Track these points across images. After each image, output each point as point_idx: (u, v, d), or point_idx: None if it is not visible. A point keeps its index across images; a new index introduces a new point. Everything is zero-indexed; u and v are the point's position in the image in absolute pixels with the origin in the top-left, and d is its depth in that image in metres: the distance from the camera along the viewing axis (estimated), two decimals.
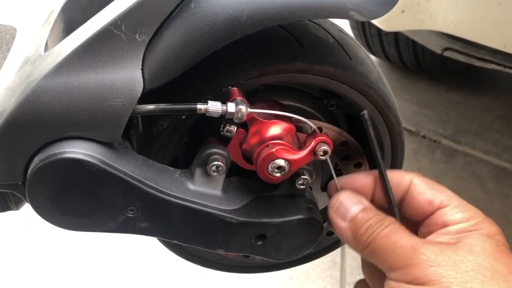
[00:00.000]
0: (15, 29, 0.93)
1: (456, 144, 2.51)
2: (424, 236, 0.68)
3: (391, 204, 0.72)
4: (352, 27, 2.65)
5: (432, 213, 0.69)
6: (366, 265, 0.77)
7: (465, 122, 2.68)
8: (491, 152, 2.46)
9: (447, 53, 1.73)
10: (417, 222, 0.72)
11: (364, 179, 0.75)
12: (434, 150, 2.47)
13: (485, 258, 0.61)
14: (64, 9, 0.90)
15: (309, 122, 0.78)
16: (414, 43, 2.48)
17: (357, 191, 0.74)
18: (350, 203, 0.71)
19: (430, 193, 0.70)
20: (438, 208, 0.68)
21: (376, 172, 0.74)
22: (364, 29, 2.58)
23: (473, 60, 1.61)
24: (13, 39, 0.89)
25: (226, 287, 1.72)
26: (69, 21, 0.87)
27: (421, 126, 2.62)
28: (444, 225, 0.67)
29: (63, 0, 0.91)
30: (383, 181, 0.72)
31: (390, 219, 0.68)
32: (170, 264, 1.70)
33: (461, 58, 1.67)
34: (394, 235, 0.65)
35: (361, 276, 0.79)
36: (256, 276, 1.76)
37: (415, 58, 2.64)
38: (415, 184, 0.71)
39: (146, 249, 1.75)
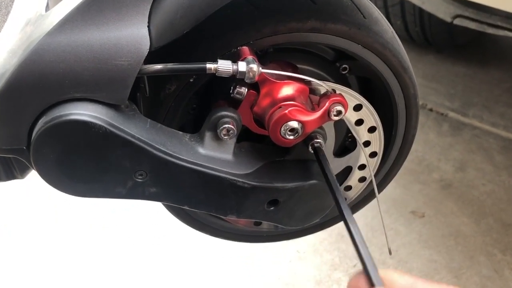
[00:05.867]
0: None
1: (464, 117, 2.48)
2: None
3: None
4: None
5: None
6: None
7: (472, 94, 2.64)
8: (499, 125, 2.43)
9: (457, 21, 1.68)
10: None
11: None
12: (441, 123, 2.44)
13: None
14: None
15: (321, 83, 0.75)
16: (421, 15, 2.43)
17: None
18: None
19: None
20: None
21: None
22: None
23: (484, 27, 1.57)
24: (12, 2, 0.86)
25: (231, 263, 1.71)
26: None
27: (428, 99, 2.58)
28: None
29: None
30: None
31: None
32: (170, 264, 1.68)
33: (472, 25, 1.62)
34: None
35: None
36: (263, 250, 1.75)
37: (422, 30, 2.59)
38: None
39: (146, 249, 1.73)
